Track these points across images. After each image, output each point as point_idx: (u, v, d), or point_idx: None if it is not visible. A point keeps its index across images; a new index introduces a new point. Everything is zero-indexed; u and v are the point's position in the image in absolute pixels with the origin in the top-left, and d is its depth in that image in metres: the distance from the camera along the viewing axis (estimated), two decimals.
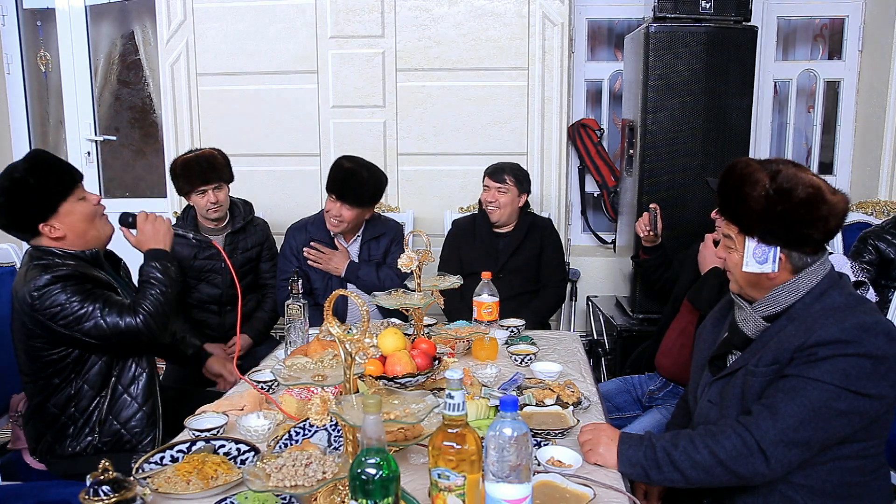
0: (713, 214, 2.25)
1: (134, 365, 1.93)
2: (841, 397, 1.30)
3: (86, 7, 3.92)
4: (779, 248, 1.40)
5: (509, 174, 2.86)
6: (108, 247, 2.03)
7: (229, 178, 2.79)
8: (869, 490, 1.41)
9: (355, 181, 2.63)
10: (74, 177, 1.91)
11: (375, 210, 2.86)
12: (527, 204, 2.96)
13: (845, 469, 1.38)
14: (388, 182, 2.78)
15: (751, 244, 1.42)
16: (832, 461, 1.37)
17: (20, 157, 1.91)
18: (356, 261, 2.78)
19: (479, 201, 2.98)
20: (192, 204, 2.79)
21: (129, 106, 4.13)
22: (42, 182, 1.83)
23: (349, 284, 2.75)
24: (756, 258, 1.41)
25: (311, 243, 2.73)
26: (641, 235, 2.63)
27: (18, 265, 2.15)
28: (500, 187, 2.84)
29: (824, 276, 1.42)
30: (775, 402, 1.32)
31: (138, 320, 1.81)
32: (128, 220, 2.04)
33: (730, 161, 1.53)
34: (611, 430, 1.46)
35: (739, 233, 1.44)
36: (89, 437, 1.89)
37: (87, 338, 1.79)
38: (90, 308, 1.78)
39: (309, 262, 2.72)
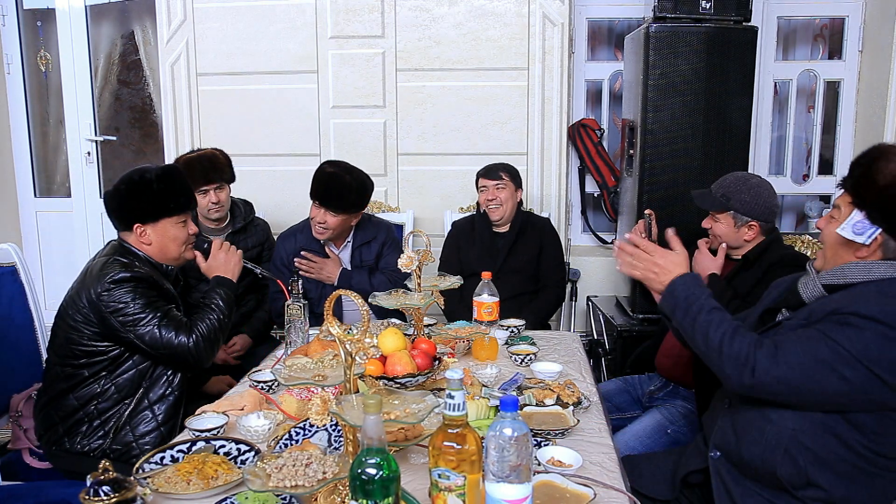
0: (705, 223, 2.25)
1: (166, 384, 1.96)
2: (851, 365, 1.30)
3: (86, 7, 3.92)
4: (880, 229, 1.38)
5: (503, 171, 2.89)
6: None
7: (231, 178, 2.80)
8: (877, 483, 1.40)
9: (338, 186, 2.56)
10: (189, 204, 2.06)
11: (367, 211, 2.84)
12: (521, 202, 2.97)
13: (856, 454, 1.37)
14: (373, 186, 2.71)
15: (857, 215, 1.40)
16: (839, 439, 1.37)
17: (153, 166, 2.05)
18: (348, 267, 2.75)
19: (478, 203, 2.99)
20: None
21: (129, 106, 4.13)
22: (163, 192, 1.97)
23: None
24: (854, 228, 1.40)
25: (302, 253, 2.68)
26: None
27: (17, 263, 2.16)
28: (497, 184, 2.86)
29: None
30: (786, 340, 1.36)
31: (191, 340, 1.88)
32: (202, 246, 2.16)
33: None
34: (673, 259, 1.54)
35: (851, 203, 1.42)
36: (101, 441, 1.90)
37: (139, 342, 1.85)
38: (150, 315, 1.85)
39: (301, 272, 2.63)
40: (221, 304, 2.00)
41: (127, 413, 1.91)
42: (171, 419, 1.95)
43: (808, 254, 2.44)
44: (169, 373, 1.96)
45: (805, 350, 1.33)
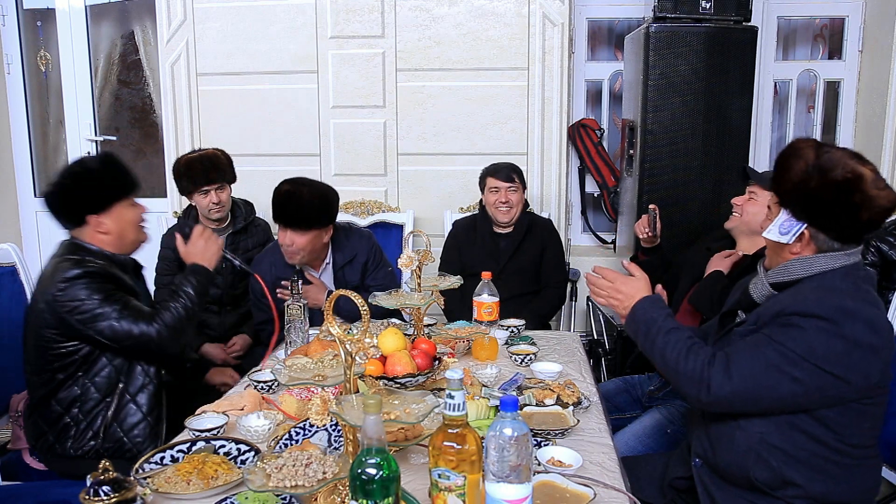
0: (736, 199, 2.27)
1: (142, 374, 1.94)
2: (800, 365, 1.32)
3: (86, 7, 3.92)
4: (804, 225, 1.41)
5: (514, 173, 2.86)
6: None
7: (232, 178, 2.80)
8: (855, 474, 1.41)
9: (297, 203, 2.38)
10: (136, 184, 2.01)
11: (347, 222, 2.73)
12: (526, 203, 2.96)
13: (827, 448, 1.38)
14: (337, 197, 2.52)
15: (782, 215, 1.45)
16: (807, 435, 1.38)
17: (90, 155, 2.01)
18: (331, 284, 2.58)
19: (481, 203, 2.98)
20: (193, 204, 2.79)
21: (129, 106, 4.13)
22: (109, 176, 1.93)
23: None
24: (780, 229, 1.44)
25: (283, 283, 2.37)
26: (641, 237, 2.61)
27: (17, 263, 2.15)
28: (510, 187, 2.83)
29: (846, 266, 1.41)
30: (736, 351, 1.39)
31: (153, 329, 1.83)
32: (184, 231, 2.13)
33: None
34: (635, 285, 1.59)
35: (777, 203, 1.47)
36: (91, 442, 1.89)
37: (100, 337, 1.81)
38: (108, 309, 1.80)
39: (286, 305, 2.20)
40: (191, 291, 1.94)
41: (111, 411, 1.89)
42: (156, 409, 1.94)
43: None
44: (142, 363, 1.94)
45: (754, 358, 1.35)
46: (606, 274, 1.65)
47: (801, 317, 1.34)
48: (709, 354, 1.41)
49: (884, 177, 1.45)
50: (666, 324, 1.49)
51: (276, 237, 2.88)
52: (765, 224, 1.50)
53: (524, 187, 2.90)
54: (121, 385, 1.91)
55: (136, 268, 2.09)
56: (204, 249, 2.06)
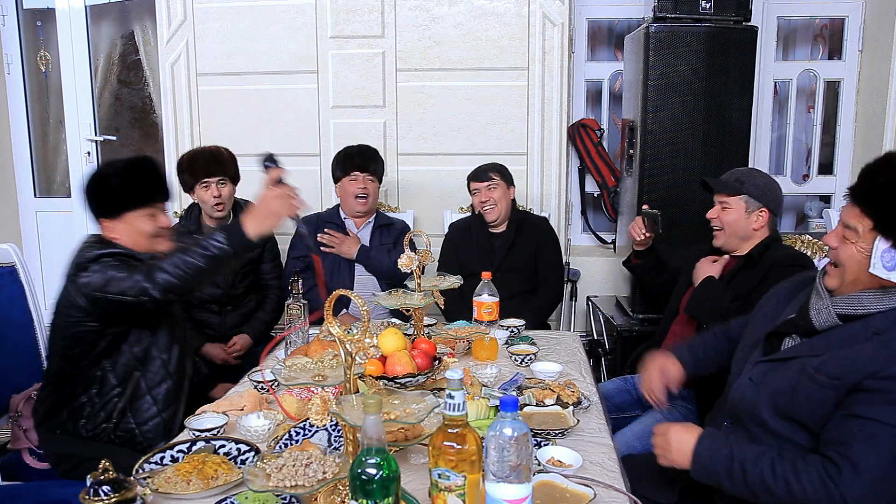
0: (711, 214, 2.23)
1: (162, 368, 1.94)
2: None
3: (86, 7, 3.92)
4: None
5: (492, 171, 2.89)
6: None
7: (234, 175, 2.80)
8: None
9: (370, 152, 2.97)
10: (153, 196, 1.93)
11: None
12: (514, 200, 2.98)
13: None
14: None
15: (882, 245, 1.30)
16: None
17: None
18: (367, 240, 2.94)
19: (472, 206, 2.99)
20: (196, 201, 2.79)
21: (129, 106, 4.13)
22: (119, 187, 1.90)
23: (357, 269, 2.88)
24: (885, 262, 1.29)
25: (325, 229, 2.90)
26: (638, 239, 2.54)
27: (16, 263, 2.16)
28: (488, 185, 2.87)
29: None
30: (854, 453, 1.24)
31: (154, 282, 1.73)
32: (271, 162, 1.83)
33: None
34: (680, 434, 1.43)
35: (873, 229, 1.32)
36: (104, 425, 1.89)
37: (111, 294, 1.75)
38: (120, 273, 1.76)
39: (322, 249, 2.86)
40: (214, 252, 1.71)
41: (126, 398, 1.90)
42: (172, 405, 1.95)
43: (808, 253, 2.43)
44: (164, 356, 1.93)
45: (881, 454, 1.23)
46: (656, 430, 1.51)
47: None
48: (819, 466, 1.27)
49: None
50: (742, 453, 1.33)
51: (277, 233, 2.94)
52: (849, 253, 1.35)
53: (509, 183, 2.92)
54: (137, 373, 1.91)
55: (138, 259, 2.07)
56: (266, 214, 1.76)
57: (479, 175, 2.90)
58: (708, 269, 2.19)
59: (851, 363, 1.29)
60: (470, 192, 2.95)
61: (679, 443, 1.42)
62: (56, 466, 1.97)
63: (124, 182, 1.90)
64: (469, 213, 3.13)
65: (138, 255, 1.89)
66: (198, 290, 2.06)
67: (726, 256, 2.22)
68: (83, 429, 1.89)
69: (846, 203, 1.40)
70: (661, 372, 1.82)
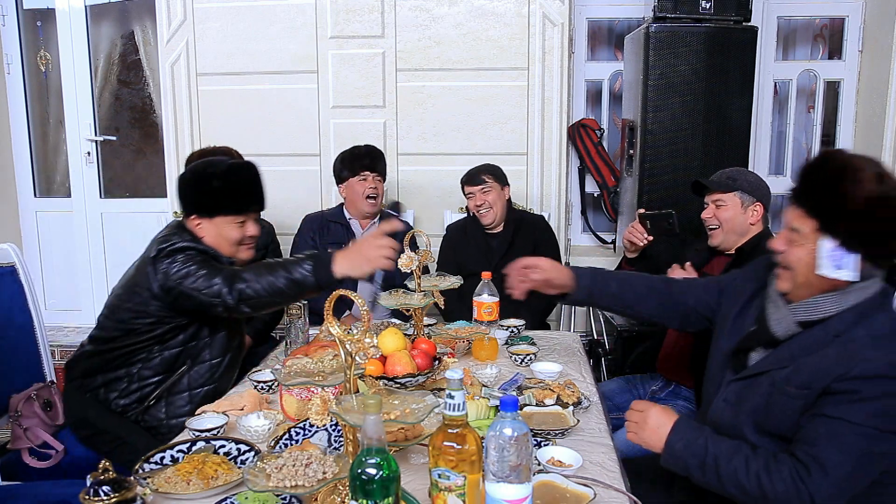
0: (706, 214, 2.22)
1: (209, 371, 1.96)
2: (884, 439, 1.24)
3: (86, 7, 3.92)
4: (860, 256, 1.28)
5: (485, 173, 2.89)
6: None
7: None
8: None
9: (377, 152, 2.96)
10: (249, 206, 1.97)
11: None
12: (510, 199, 2.98)
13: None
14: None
15: (828, 245, 1.29)
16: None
17: (215, 157, 2.07)
18: None
19: (467, 209, 2.99)
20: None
21: (129, 106, 4.13)
22: (221, 190, 1.92)
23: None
24: (833, 261, 1.28)
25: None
26: (641, 245, 2.40)
27: (16, 263, 2.16)
28: (482, 188, 2.86)
29: (872, 295, 1.33)
30: (820, 452, 1.25)
31: (226, 292, 1.76)
32: (396, 211, 1.89)
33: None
34: (659, 416, 1.41)
35: (818, 230, 1.31)
36: (136, 405, 1.92)
37: (188, 288, 1.79)
38: (202, 269, 1.80)
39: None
40: (298, 280, 1.70)
41: (165, 388, 1.93)
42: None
43: None
44: (215, 361, 1.97)
45: (846, 453, 1.23)
46: (635, 405, 1.48)
47: (866, 381, 1.23)
48: (790, 465, 1.27)
49: None
50: (717, 447, 1.34)
51: (279, 233, 3.05)
52: (797, 256, 1.34)
53: (503, 184, 2.91)
54: (183, 368, 1.93)
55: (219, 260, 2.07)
56: (361, 260, 1.72)
57: (473, 178, 2.89)
58: (679, 275, 2.15)
59: (818, 370, 1.30)
60: (465, 195, 2.95)
61: (657, 425, 1.41)
62: (75, 429, 1.99)
63: (226, 187, 1.93)
64: (464, 215, 3.13)
65: (221, 257, 1.92)
66: (271, 310, 2.04)
67: (689, 264, 2.20)
68: (113, 402, 1.91)
69: (789, 205, 1.39)
70: (531, 269, 1.81)
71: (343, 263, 1.72)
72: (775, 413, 1.35)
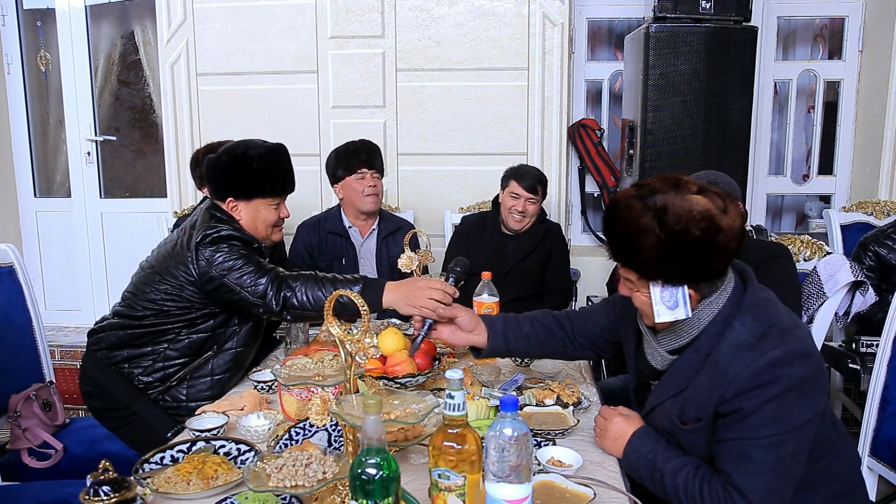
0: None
1: (231, 360, 1.98)
2: (785, 440, 1.26)
3: (86, 7, 3.92)
4: (686, 287, 1.31)
5: (540, 185, 2.79)
6: None
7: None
8: (836, 459, 1.43)
9: (373, 147, 2.77)
10: (286, 188, 2.07)
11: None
12: (543, 212, 2.91)
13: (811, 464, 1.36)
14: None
15: (656, 289, 1.32)
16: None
17: (256, 140, 2.04)
18: (373, 253, 2.77)
19: (494, 202, 2.93)
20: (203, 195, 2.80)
21: (129, 106, 4.13)
22: (261, 172, 1.97)
23: (361, 270, 2.73)
24: (666, 304, 1.32)
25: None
26: None
27: (15, 263, 2.15)
28: (530, 198, 2.77)
29: (724, 304, 1.35)
30: (735, 480, 1.26)
31: (278, 294, 1.80)
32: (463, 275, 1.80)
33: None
34: (621, 426, 1.46)
35: (640, 279, 1.34)
36: (159, 385, 1.94)
37: (230, 281, 1.82)
38: (246, 264, 1.84)
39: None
40: (345, 301, 1.62)
41: (190, 370, 1.94)
42: (223, 393, 1.97)
43: (807, 253, 2.43)
44: (240, 349, 1.99)
45: (756, 472, 1.26)
46: (602, 412, 1.52)
47: (743, 397, 1.26)
48: (720, 489, 1.28)
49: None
50: (665, 463, 1.36)
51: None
52: (641, 300, 1.37)
53: (544, 198, 2.84)
54: (210, 353, 1.95)
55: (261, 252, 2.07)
56: (412, 294, 1.70)
57: (524, 179, 2.75)
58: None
59: (700, 402, 1.33)
60: (505, 187, 2.82)
61: (616, 435, 1.46)
62: (88, 398, 2.01)
63: (267, 168, 1.97)
64: (484, 210, 3.05)
65: (256, 243, 1.95)
66: (308, 321, 2.04)
67: None
68: (136, 378, 1.93)
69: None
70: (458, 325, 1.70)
71: (392, 295, 1.74)
72: (689, 447, 1.38)
